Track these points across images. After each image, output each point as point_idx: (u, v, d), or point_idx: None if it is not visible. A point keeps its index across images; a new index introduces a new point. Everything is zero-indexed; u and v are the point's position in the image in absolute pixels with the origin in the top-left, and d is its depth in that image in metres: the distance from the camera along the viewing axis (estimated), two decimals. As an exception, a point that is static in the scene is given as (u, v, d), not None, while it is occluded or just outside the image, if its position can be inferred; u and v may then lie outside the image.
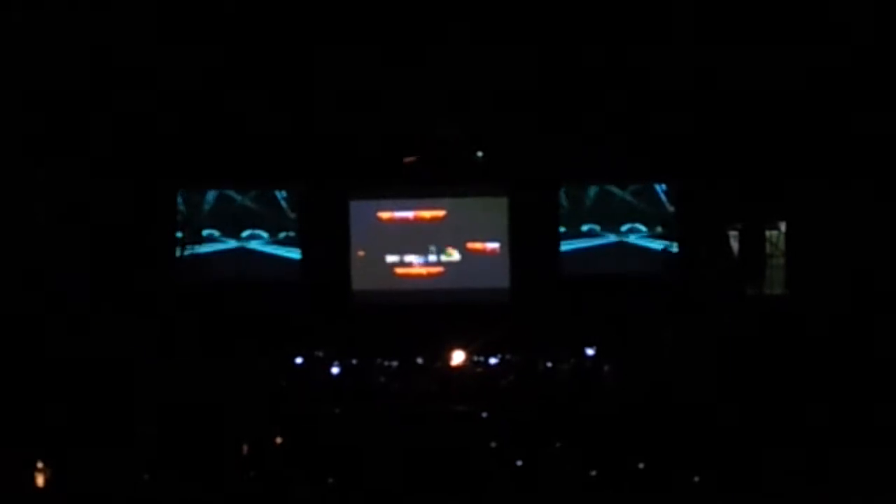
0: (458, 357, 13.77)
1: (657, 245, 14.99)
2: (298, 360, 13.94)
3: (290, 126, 14.66)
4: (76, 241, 14.13)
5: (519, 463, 10.97)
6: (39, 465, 10.48)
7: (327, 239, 15.34)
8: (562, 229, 15.23)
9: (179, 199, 15.28)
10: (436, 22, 13.57)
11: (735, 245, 14.86)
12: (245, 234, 15.42)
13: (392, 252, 15.43)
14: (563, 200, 15.29)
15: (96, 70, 13.64)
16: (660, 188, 15.21)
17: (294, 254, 15.40)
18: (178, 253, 15.04)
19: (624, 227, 15.22)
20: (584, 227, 15.27)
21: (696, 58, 13.68)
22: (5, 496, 10.09)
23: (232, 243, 15.45)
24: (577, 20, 13.48)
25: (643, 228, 15.19)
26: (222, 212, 15.45)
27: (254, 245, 15.46)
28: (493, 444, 11.28)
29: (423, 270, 15.35)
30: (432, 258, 15.34)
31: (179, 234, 15.05)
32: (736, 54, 13.53)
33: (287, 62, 14.08)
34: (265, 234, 15.43)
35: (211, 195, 15.45)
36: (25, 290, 13.69)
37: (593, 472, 10.74)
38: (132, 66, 13.70)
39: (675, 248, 14.84)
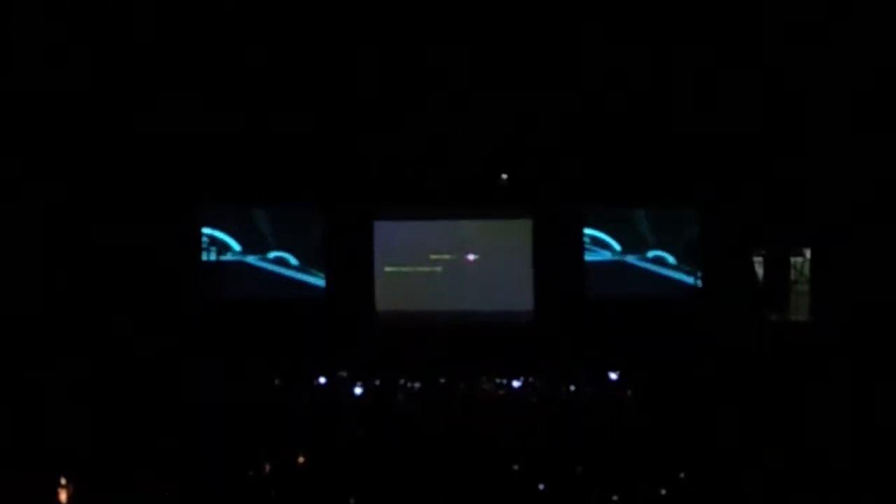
0: (480, 379, 13.76)
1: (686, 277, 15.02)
2: (321, 381, 13.95)
3: (314, 146, 14.73)
4: (101, 255, 14.24)
5: (541, 487, 10.95)
6: (62, 481, 10.53)
7: (351, 259, 15.37)
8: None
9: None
10: (459, 43, 13.63)
11: (759, 271, 14.84)
12: (271, 255, 15.49)
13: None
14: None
15: (119, 81, 13.80)
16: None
17: (318, 280, 15.45)
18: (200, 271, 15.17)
19: (650, 254, 15.22)
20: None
21: (719, 84, 13.69)
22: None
23: (253, 259, 15.52)
24: (603, 41, 13.51)
25: (671, 259, 15.20)
26: (250, 232, 15.55)
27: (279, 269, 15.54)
28: (515, 467, 11.27)
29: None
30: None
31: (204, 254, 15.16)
32: (763, 78, 13.57)
33: (312, 82, 14.16)
34: (292, 259, 15.51)
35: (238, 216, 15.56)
36: (45, 301, 13.81)
37: (615, 498, 10.72)
38: (158, 78, 13.83)
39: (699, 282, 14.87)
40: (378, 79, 14.03)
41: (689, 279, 15.04)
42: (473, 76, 13.97)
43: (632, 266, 15.20)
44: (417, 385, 13.80)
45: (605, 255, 15.19)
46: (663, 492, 10.83)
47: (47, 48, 13.20)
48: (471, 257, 15.34)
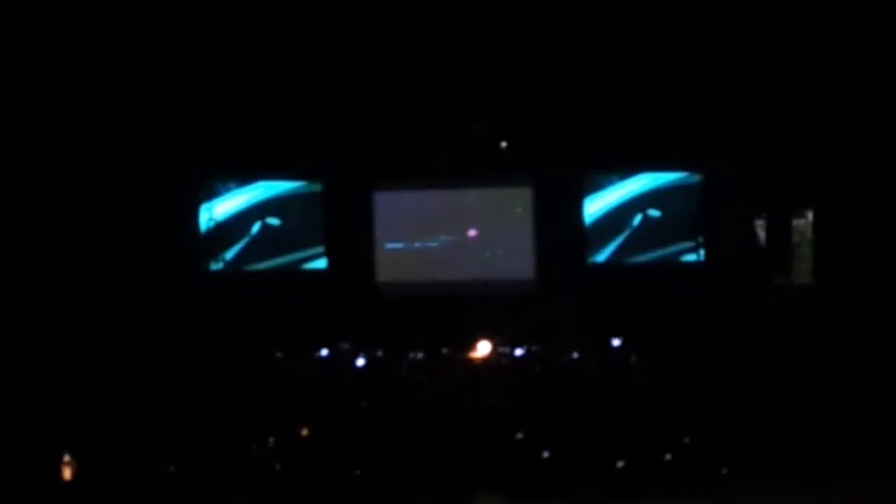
0: (483, 348, 13.73)
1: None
2: (324, 352, 13.92)
3: (312, 117, 14.66)
4: (108, 238, 14.25)
5: (545, 455, 10.95)
6: (66, 458, 10.54)
7: (351, 231, 15.32)
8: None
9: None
10: (457, 10, 13.54)
11: (762, 234, 14.79)
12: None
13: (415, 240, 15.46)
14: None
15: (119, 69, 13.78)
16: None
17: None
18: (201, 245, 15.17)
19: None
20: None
21: (722, 47, 13.60)
22: (33, 490, 10.16)
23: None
24: (604, 15, 13.42)
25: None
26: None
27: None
28: (519, 436, 11.27)
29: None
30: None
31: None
32: (761, 45, 13.49)
33: (310, 53, 14.08)
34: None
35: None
36: (56, 286, 13.85)
37: (620, 464, 10.72)
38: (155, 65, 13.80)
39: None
40: (376, 48, 13.93)
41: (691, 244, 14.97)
42: (472, 45, 13.86)
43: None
44: (420, 356, 13.76)
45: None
46: (668, 457, 10.85)
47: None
48: (472, 232, 15.30)
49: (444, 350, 13.81)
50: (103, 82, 14.00)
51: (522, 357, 13.71)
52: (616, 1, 13.45)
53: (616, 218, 15.07)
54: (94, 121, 14.21)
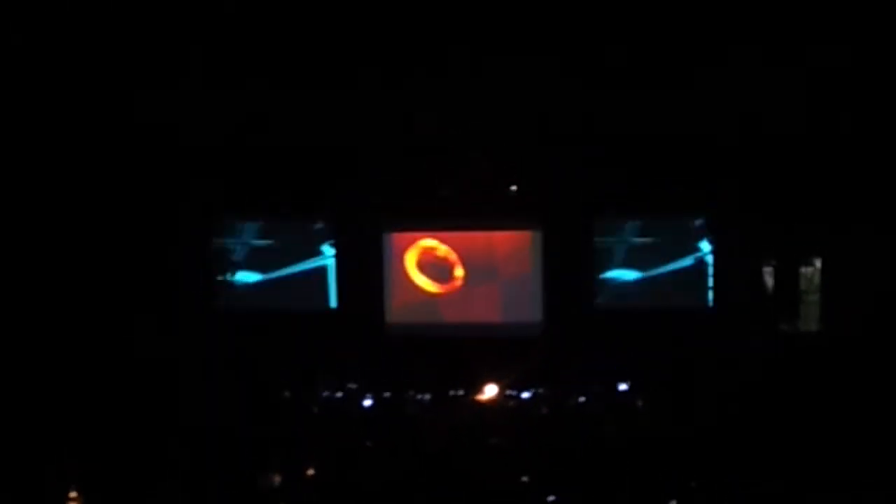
0: (490, 390, 13.74)
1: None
2: (331, 392, 13.94)
3: (323, 158, 14.77)
4: (112, 269, 14.30)
5: (551, 498, 10.92)
6: (73, 494, 10.54)
7: (361, 271, 15.38)
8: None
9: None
10: (470, 55, 13.63)
11: (769, 281, 14.81)
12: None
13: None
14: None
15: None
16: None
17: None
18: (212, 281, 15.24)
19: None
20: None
21: (731, 94, 13.68)
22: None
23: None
24: (615, 55, 13.49)
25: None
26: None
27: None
28: (524, 479, 11.24)
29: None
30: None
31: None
32: (770, 92, 13.55)
33: (320, 93, 14.18)
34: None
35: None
36: (55, 315, 13.88)
37: (626, 509, 10.70)
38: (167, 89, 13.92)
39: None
40: (387, 90, 14.03)
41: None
42: (482, 87, 13.96)
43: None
44: (427, 397, 13.78)
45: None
46: (674, 502, 10.81)
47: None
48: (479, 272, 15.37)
49: (451, 392, 13.83)
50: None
51: (529, 399, 13.72)
52: (623, 40, 13.47)
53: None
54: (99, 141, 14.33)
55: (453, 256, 15.39)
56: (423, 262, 15.45)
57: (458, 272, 15.39)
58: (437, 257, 15.39)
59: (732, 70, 13.44)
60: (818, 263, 14.75)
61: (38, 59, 13.21)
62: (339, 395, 13.92)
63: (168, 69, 13.64)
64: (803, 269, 14.79)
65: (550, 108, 14.10)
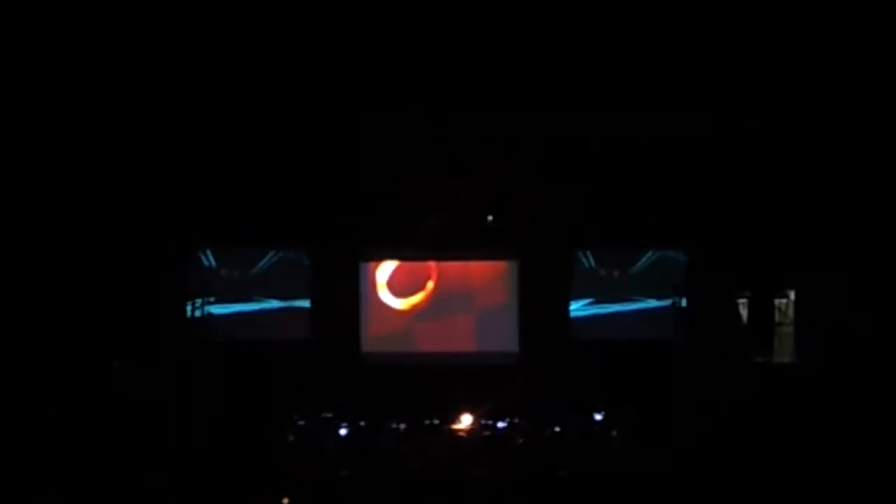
0: (466, 420, 13.73)
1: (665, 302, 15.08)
2: (306, 422, 13.90)
3: (300, 189, 14.78)
4: (89, 295, 14.25)
5: (526, 528, 10.91)
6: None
7: (337, 301, 15.38)
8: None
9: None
10: (448, 86, 13.69)
11: (744, 313, 14.90)
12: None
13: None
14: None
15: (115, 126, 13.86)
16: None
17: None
18: (188, 312, 15.17)
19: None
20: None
21: (708, 125, 13.80)
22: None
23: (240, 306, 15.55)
24: (590, 86, 13.55)
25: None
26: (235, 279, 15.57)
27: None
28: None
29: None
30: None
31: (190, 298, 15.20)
32: (747, 129, 13.68)
33: (299, 125, 14.21)
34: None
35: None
36: (36, 343, 13.80)
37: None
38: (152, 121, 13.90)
39: (684, 303, 14.89)
40: (366, 122, 14.07)
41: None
42: (459, 119, 14.01)
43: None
44: (402, 426, 13.74)
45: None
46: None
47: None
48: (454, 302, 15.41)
49: (427, 421, 13.81)
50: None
51: (505, 429, 13.72)
52: (599, 76, 13.55)
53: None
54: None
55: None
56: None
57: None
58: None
59: (707, 106, 13.56)
60: (792, 295, 14.84)
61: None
62: (315, 423, 13.85)
63: (146, 100, 13.68)
64: (777, 301, 14.89)
65: (527, 140, 14.16)
